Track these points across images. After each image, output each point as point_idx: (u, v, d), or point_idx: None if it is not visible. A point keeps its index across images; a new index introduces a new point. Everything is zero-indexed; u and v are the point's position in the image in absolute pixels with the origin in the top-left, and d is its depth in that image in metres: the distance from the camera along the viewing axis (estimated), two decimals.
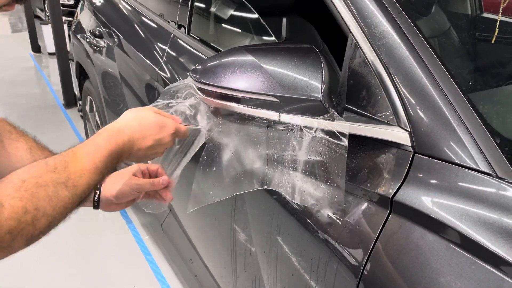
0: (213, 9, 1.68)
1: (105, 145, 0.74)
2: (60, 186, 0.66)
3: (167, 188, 0.98)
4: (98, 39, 2.21)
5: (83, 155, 0.71)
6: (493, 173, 0.67)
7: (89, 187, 0.71)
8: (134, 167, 0.99)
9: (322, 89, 0.81)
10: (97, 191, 0.94)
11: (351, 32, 0.85)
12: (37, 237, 0.64)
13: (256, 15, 1.39)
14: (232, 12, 1.59)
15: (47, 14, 6.13)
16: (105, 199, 0.95)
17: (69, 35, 2.99)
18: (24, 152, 0.88)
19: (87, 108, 2.80)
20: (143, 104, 1.73)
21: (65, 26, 4.41)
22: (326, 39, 1.54)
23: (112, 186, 0.95)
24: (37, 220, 0.62)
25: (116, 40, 2.03)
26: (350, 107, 0.85)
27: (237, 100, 0.85)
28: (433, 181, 0.72)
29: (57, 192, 0.65)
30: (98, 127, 2.60)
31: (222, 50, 1.40)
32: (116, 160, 0.76)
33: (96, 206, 0.95)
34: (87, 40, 2.37)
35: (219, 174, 0.94)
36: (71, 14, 5.31)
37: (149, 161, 1.00)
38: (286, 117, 0.83)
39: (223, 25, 1.66)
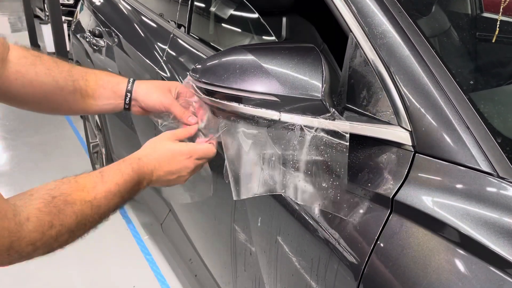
0: (213, 9, 1.67)
1: (127, 171, 0.78)
2: (86, 204, 0.70)
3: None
4: (97, 39, 2.21)
5: (109, 178, 0.75)
6: (494, 173, 0.67)
7: (109, 208, 0.75)
8: (173, 83, 1.00)
9: (323, 88, 0.80)
10: (128, 94, 0.96)
11: (351, 31, 0.84)
12: (55, 249, 0.68)
13: (256, 15, 1.38)
14: (232, 11, 1.58)
15: (47, 13, 6.12)
16: (134, 103, 0.98)
17: (69, 35, 2.99)
18: (44, 75, 0.89)
19: None
20: None
21: (65, 25, 4.40)
22: (326, 39, 1.54)
23: (145, 92, 0.97)
24: (60, 235, 0.66)
25: (116, 40, 2.03)
26: (350, 106, 0.85)
27: (238, 99, 0.85)
28: (434, 181, 0.71)
29: (82, 210, 0.69)
30: (97, 127, 2.60)
31: (222, 49, 1.40)
32: (137, 186, 0.80)
33: (127, 108, 0.99)
34: (87, 39, 2.37)
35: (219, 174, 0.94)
36: (71, 13, 5.30)
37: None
38: (286, 117, 0.82)
39: (223, 24, 1.66)
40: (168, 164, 0.85)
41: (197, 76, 0.90)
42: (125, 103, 0.97)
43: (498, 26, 1.12)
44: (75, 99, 0.93)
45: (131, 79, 0.97)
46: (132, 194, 0.80)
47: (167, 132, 0.91)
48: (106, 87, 0.95)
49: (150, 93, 0.96)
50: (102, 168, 0.77)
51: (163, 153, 0.86)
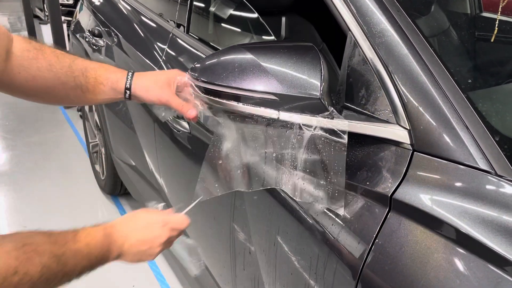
0: (212, 8, 1.68)
1: (99, 235, 0.79)
2: (53, 259, 0.69)
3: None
4: (97, 39, 2.21)
5: (82, 238, 0.76)
6: (492, 171, 0.67)
7: (75, 269, 0.74)
8: (173, 74, 0.99)
9: (321, 87, 0.80)
10: (128, 91, 0.96)
11: (350, 30, 0.85)
12: None
13: (255, 15, 1.39)
14: (231, 11, 1.59)
15: (46, 14, 6.12)
16: (133, 97, 0.98)
17: (68, 35, 2.99)
18: (46, 70, 0.90)
19: (86, 108, 2.80)
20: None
21: (64, 25, 4.41)
22: (325, 39, 1.54)
23: (143, 89, 0.96)
24: (21, 285, 0.64)
25: (115, 40, 2.03)
26: (349, 105, 0.85)
27: (236, 98, 0.85)
28: (432, 179, 0.72)
29: (49, 264, 0.68)
30: (97, 127, 2.60)
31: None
32: (107, 253, 0.81)
33: (128, 99, 0.99)
34: (86, 39, 2.37)
35: (220, 172, 0.94)
36: (70, 13, 5.30)
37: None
38: (285, 115, 0.82)
39: (223, 24, 1.66)
40: (142, 232, 0.86)
41: (196, 75, 0.90)
42: (125, 97, 0.98)
43: (497, 25, 1.12)
44: (76, 94, 0.94)
45: (130, 74, 0.97)
46: (100, 261, 0.80)
47: (151, 209, 0.93)
48: (105, 85, 0.95)
49: (149, 89, 0.97)
50: (78, 227, 0.78)
51: (138, 222, 0.88)
